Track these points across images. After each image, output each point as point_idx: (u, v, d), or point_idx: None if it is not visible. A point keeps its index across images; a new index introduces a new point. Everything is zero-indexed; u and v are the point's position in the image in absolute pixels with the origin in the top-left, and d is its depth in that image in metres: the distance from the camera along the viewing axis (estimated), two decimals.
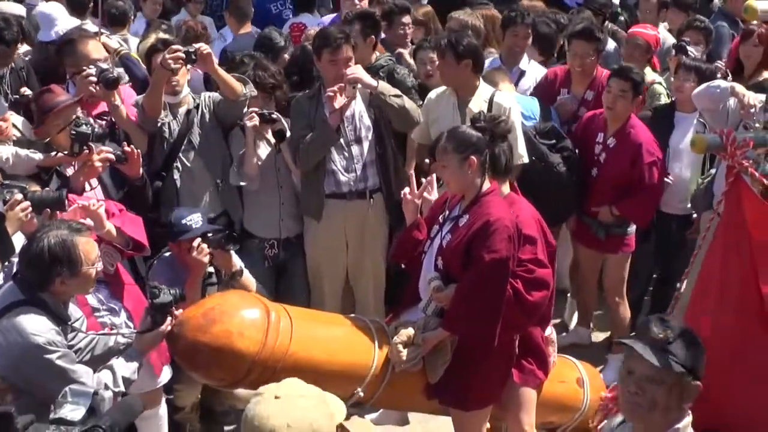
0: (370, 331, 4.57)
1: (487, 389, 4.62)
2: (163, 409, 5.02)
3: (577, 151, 6.23)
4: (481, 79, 5.90)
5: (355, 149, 5.74)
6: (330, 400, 3.08)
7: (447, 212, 4.65)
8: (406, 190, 4.86)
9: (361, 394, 4.42)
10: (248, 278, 5.01)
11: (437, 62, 6.13)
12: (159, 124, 5.56)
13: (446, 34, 5.97)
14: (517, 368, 4.69)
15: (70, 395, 3.05)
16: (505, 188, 4.72)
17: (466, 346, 4.52)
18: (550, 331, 4.87)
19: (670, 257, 6.54)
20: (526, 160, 5.87)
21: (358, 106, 5.76)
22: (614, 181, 6.12)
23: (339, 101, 5.54)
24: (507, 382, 4.67)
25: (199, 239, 4.79)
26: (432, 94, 5.99)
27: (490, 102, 5.77)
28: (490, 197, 4.51)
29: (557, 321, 6.48)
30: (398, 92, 5.73)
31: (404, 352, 4.43)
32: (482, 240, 4.38)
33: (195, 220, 4.90)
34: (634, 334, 3.35)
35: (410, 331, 4.48)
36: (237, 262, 4.96)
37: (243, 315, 4.20)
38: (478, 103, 5.74)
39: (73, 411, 2.99)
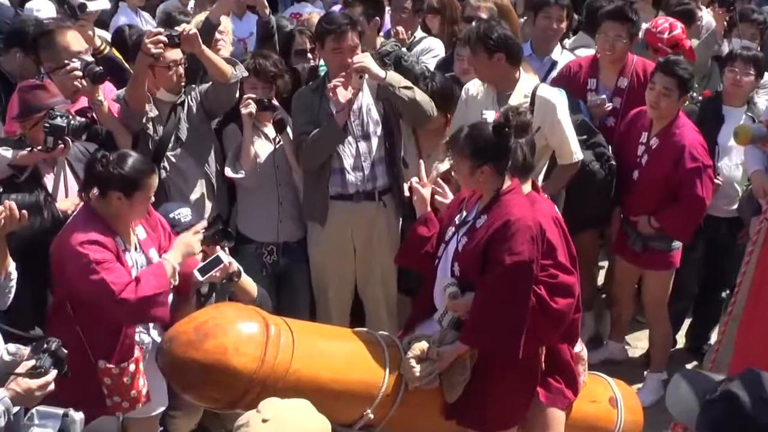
0: (381, 346, 4.60)
1: (509, 409, 4.65)
2: None
3: (611, 147, 6.26)
4: (521, 70, 5.91)
5: (362, 146, 5.77)
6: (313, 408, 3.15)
7: (464, 213, 4.68)
8: (414, 179, 4.91)
9: (371, 416, 4.44)
10: (248, 281, 5.03)
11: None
12: (144, 120, 5.57)
13: (475, 27, 5.97)
14: (543, 387, 4.72)
15: (37, 417, 3.08)
16: (526, 187, 4.75)
17: (487, 360, 4.55)
18: (580, 348, 4.90)
19: (717, 264, 6.59)
20: (580, 156, 5.94)
21: (366, 99, 5.79)
22: (655, 187, 6.11)
23: (344, 94, 5.57)
24: (532, 401, 4.69)
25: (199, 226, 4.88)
26: (470, 87, 6.01)
27: (533, 96, 5.79)
28: (510, 196, 4.54)
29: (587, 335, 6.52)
30: (409, 83, 5.74)
31: (417, 368, 4.47)
32: (502, 242, 4.41)
33: (183, 214, 5.05)
34: None
35: (424, 345, 4.52)
36: (234, 262, 4.99)
37: (239, 329, 4.22)
38: (518, 98, 5.76)
39: None
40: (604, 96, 6.56)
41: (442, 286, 4.61)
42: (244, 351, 4.16)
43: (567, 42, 7.51)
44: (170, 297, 4.65)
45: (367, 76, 5.67)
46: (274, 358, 4.21)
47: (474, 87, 5.98)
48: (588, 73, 6.65)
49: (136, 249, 4.75)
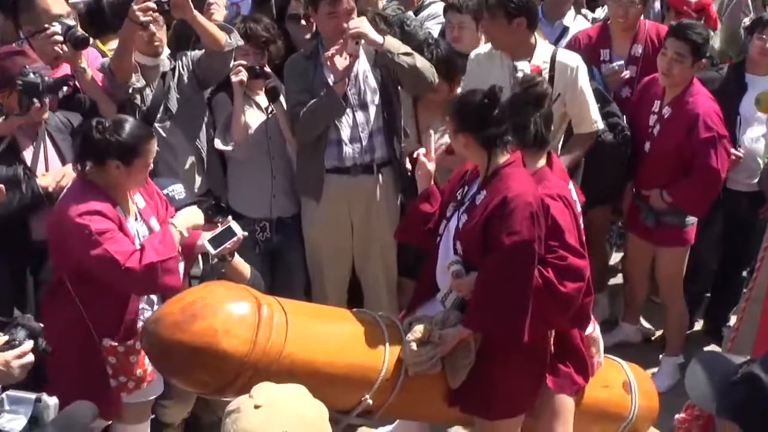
0: (380, 327, 4.57)
1: (516, 395, 4.62)
2: (146, 427, 5.04)
3: (626, 118, 6.22)
4: (536, 36, 5.86)
5: (359, 116, 5.72)
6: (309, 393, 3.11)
7: (465, 188, 4.64)
8: (421, 150, 4.86)
9: (370, 401, 4.41)
10: (240, 261, 5.00)
11: (465, 26, 6.14)
12: (130, 90, 5.53)
13: None
14: (551, 372, 4.69)
15: (8, 402, 3.04)
16: (541, 162, 4.70)
17: (492, 344, 4.52)
18: (592, 329, 4.85)
19: (737, 241, 6.55)
20: (600, 125, 5.94)
21: (362, 66, 5.74)
22: (667, 158, 6.06)
23: (342, 62, 5.51)
24: (540, 388, 4.67)
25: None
26: (479, 55, 5.95)
27: (552, 61, 5.77)
28: (510, 169, 4.50)
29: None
30: (408, 49, 5.67)
31: (418, 352, 4.43)
32: (500, 220, 4.37)
33: (178, 190, 5.03)
34: None
35: (426, 326, 4.48)
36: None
37: (229, 309, 4.18)
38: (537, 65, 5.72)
39: (12, 421, 2.99)
40: (621, 61, 6.53)
41: (445, 264, 4.56)
42: (235, 333, 4.12)
43: (599, 12, 7.44)
44: (180, 265, 4.60)
45: (363, 41, 5.58)
46: (267, 340, 4.18)
47: (483, 56, 5.91)
48: (599, 43, 6.60)
49: (136, 218, 4.71)
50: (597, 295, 6.37)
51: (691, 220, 6.21)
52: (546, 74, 5.66)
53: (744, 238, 6.47)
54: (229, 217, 4.87)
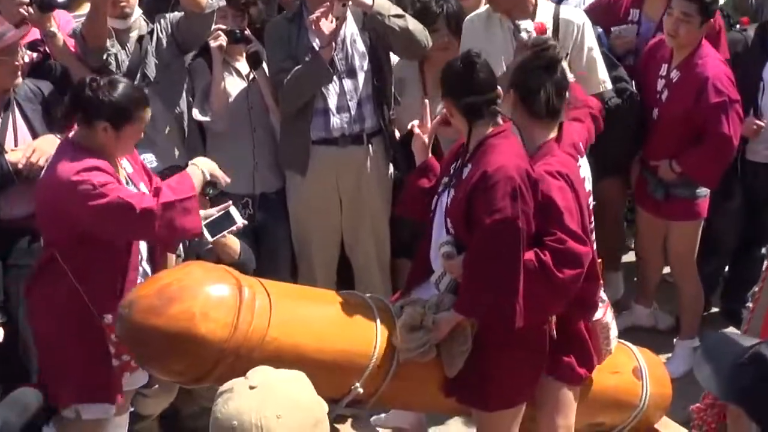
0: (371, 310, 4.51)
1: (515, 385, 4.57)
2: (125, 420, 5.02)
3: (634, 83, 6.17)
4: None
5: (347, 83, 5.72)
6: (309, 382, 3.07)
7: (458, 161, 4.59)
8: (415, 122, 4.81)
9: (360, 390, 4.37)
10: (231, 237, 4.97)
11: None
12: (105, 56, 5.50)
13: None
14: (551, 361, 4.64)
15: None
16: (551, 134, 4.61)
17: (488, 332, 4.48)
18: (601, 314, 4.79)
19: (757, 216, 6.49)
20: (608, 86, 5.93)
21: (350, 28, 5.72)
22: (676, 125, 6.01)
23: (328, 26, 5.48)
24: (539, 377, 4.64)
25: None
26: (474, 18, 5.90)
27: (556, 21, 5.75)
28: (495, 140, 4.44)
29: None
30: (400, 11, 5.65)
31: (410, 337, 4.40)
32: (481, 197, 4.31)
33: (149, 159, 5.09)
34: None
35: (419, 310, 4.44)
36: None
37: (208, 292, 4.13)
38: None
39: None
40: (635, 26, 6.43)
41: (438, 244, 4.52)
42: (214, 317, 4.07)
43: None
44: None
45: (351, 3, 5.54)
46: (249, 325, 4.12)
47: (480, 20, 5.86)
48: (630, 2, 6.53)
49: (127, 183, 4.65)
50: (610, 274, 6.42)
51: (703, 191, 6.16)
52: (549, 34, 5.59)
53: (764, 213, 6.43)
54: (229, 202, 4.80)
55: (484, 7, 5.91)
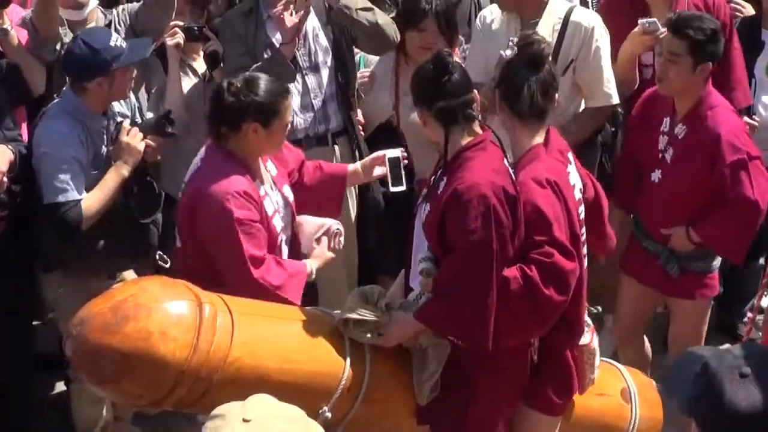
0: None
1: (489, 414, 4.70)
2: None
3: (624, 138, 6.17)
4: None
5: (311, 80, 5.90)
6: (312, 427, 3.13)
7: (438, 173, 4.70)
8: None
9: (329, 414, 4.49)
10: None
11: None
12: (59, 46, 5.61)
13: None
14: (531, 389, 4.78)
15: None
16: (538, 138, 4.73)
17: (463, 356, 4.58)
18: (589, 339, 4.91)
19: None
20: (616, 100, 5.97)
21: (312, 22, 5.84)
22: (687, 189, 5.75)
23: (291, 20, 5.62)
24: (516, 406, 4.79)
25: (128, 123, 5.13)
26: (487, 15, 6.05)
27: (565, 22, 5.89)
28: (471, 153, 4.53)
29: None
30: (367, 3, 5.77)
31: (358, 305, 4.60)
32: (453, 216, 4.42)
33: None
34: None
35: (378, 290, 4.67)
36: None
37: (166, 309, 4.26)
38: (548, 26, 5.84)
39: None
40: (654, 19, 6.21)
41: (417, 260, 4.64)
42: (173, 336, 4.20)
43: None
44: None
45: None
46: (209, 344, 4.25)
47: (491, 15, 6.06)
48: (635, 6, 6.46)
49: (271, 187, 4.98)
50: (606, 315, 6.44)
51: (717, 263, 5.95)
52: (556, 36, 5.76)
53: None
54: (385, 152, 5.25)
55: (493, 8, 6.10)
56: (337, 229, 5.22)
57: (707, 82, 5.68)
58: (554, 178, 4.60)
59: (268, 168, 5.04)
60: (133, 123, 5.44)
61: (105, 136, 5.45)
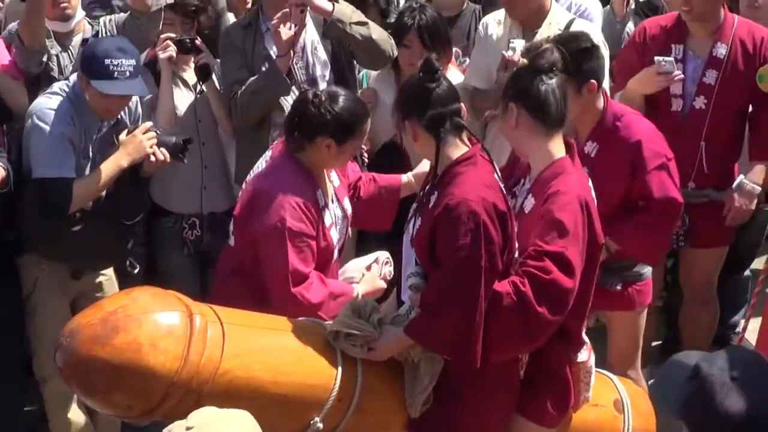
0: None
1: (478, 427, 4.68)
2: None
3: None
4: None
5: None
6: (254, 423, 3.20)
7: (428, 186, 4.67)
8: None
9: (320, 425, 4.48)
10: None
11: None
12: (45, 59, 5.61)
13: None
14: (524, 399, 4.76)
15: None
16: (558, 148, 4.62)
17: (454, 368, 4.55)
18: (586, 356, 4.88)
19: (738, 238, 6.55)
20: None
21: (310, 35, 5.85)
22: (604, 202, 5.16)
23: (286, 33, 5.63)
24: (509, 417, 4.77)
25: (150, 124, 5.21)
26: (489, 22, 6.07)
27: (567, 30, 5.88)
28: (462, 168, 4.49)
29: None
30: (362, 17, 5.78)
31: (350, 317, 4.58)
32: (443, 231, 4.39)
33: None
34: None
35: (371, 304, 4.66)
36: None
37: (156, 320, 4.24)
38: (548, 33, 5.80)
39: None
40: (671, 58, 6.14)
41: (406, 274, 4.63)
42: (163, 347, 4.18)
43: None
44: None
45: (310, 9, 5.68)
46: (200, 356, 4.23)
47: (493, 24, 6.08)
48: (672, 36, 6.32)
49: (332, 200, 5.00)
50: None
51: (648, 271, 5.80)
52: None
53: (742, 230, 6.49)
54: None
55: (499, 13, 6.11)
56: (387, 258, 5.24)
57: (600, 95, 5.49)
58: (584, 196, 4.53)
59: (332, 179, 5.08)
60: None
61: (96, 135, 5.41)
